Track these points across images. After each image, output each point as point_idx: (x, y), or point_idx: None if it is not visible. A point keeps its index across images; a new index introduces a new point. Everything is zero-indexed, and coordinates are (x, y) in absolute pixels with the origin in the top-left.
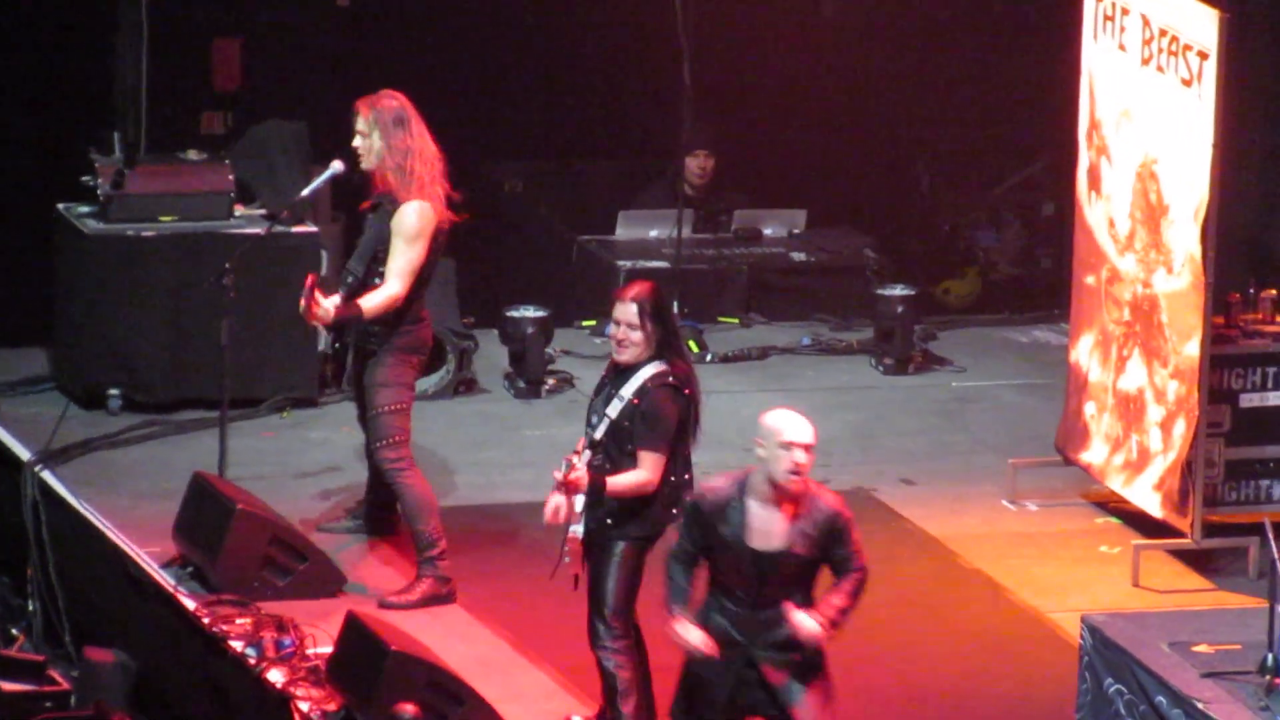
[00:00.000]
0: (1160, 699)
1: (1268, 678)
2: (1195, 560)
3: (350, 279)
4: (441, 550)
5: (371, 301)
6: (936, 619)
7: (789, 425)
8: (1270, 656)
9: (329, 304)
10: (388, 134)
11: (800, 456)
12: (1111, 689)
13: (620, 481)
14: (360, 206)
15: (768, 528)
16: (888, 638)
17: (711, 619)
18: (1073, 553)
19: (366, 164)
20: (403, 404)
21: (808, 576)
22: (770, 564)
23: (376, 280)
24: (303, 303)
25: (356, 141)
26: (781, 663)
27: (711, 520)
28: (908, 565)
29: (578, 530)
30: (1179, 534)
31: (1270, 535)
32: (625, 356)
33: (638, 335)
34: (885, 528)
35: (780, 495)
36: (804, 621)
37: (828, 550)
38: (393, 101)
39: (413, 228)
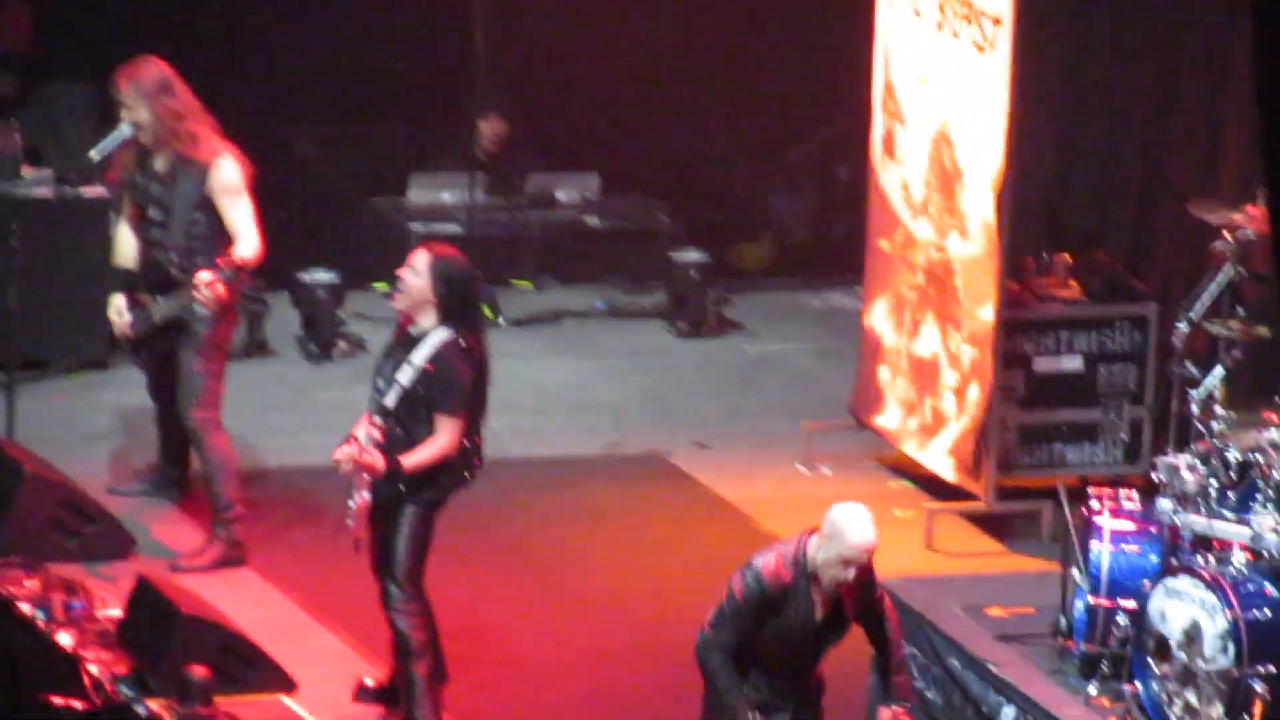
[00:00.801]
0: (953, 662)
1: (1061, 641)
2: (989, 524)
3: (154, 232)
4: (237, 514)
5: (417, 457)
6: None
7: (855, 538)
8: (1063, 619)
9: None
10: (153, 102)
11: (852, 574)
12: (905, 651)
13: (419, 456)
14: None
15: (820, 600)
16: (682, 601)
17: (761, 697)
18: None
19: (145, 137)
20: (219, 366)
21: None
22: (824, 634)
23: (195, 231)
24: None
25: (123, 115)
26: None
27: (777, 606)
28: (701, 529)
29: (366, 496)
30: (972, 498)
31: (1063, 499)
32: (400, 303)
33: (418, 283)
34: (679, 492)
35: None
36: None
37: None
38: (151, 69)
39: (235, 180)
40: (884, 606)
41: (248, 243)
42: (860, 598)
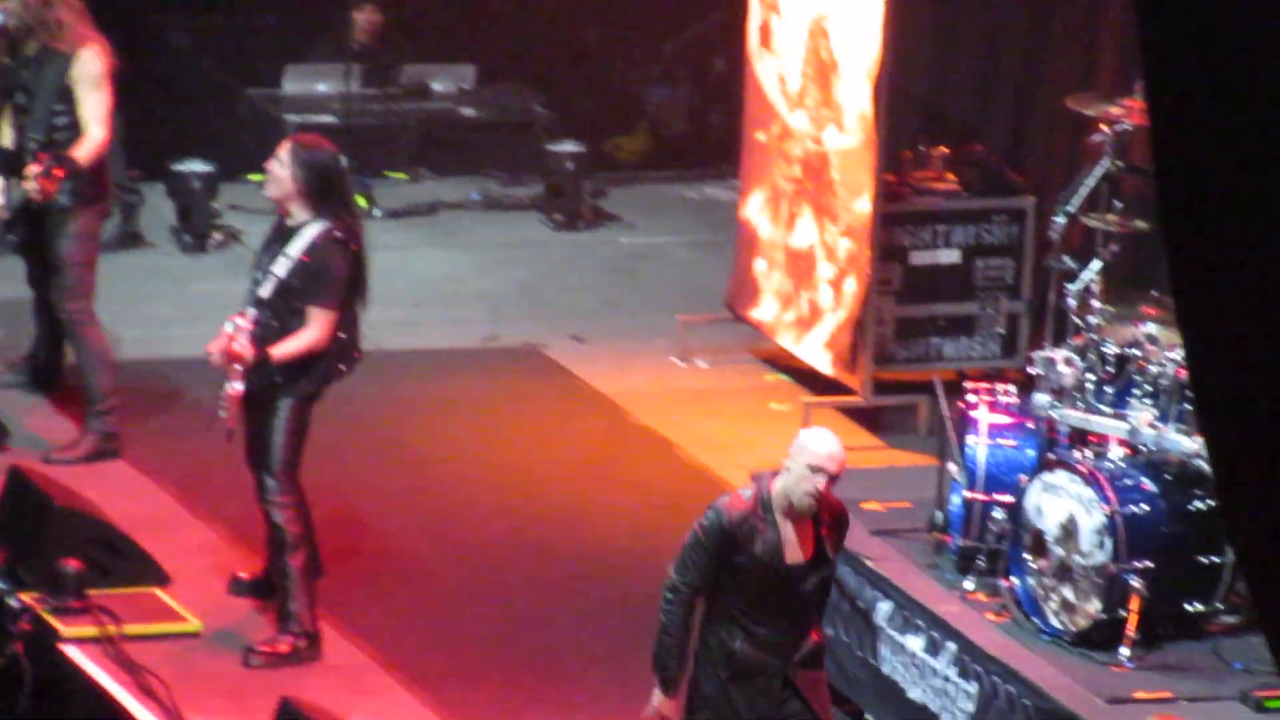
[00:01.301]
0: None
1: (937, 535)
2: (865, 418)
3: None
4: (111, 406)
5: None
6: (607, 476)
7: (820, 448)
8: (939, 514)
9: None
10: None
11: (823, 486)
12: None
13: (289, 346)
14: None
15: (795, 540)
16: (558, 496)
17: (736, 651)
18: (743, 410)
19: (14, 23)
20: (91, 256)
21: (830, 582)
22: (803, 577)
23: (58, 122)
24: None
25: None
26: (808, 670)
27: (742, 541)
28: (578, 422)
29: (238, 387)
30: (849, 391)
31: (940, 393)
32: (269, 191)
33: (282, 173)
34: (555, 385)
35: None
36: None
37: (839, 549)
38: None
39: (96, 72)
40: (832, 575)
41: (89, 139)
42: (836, 540)
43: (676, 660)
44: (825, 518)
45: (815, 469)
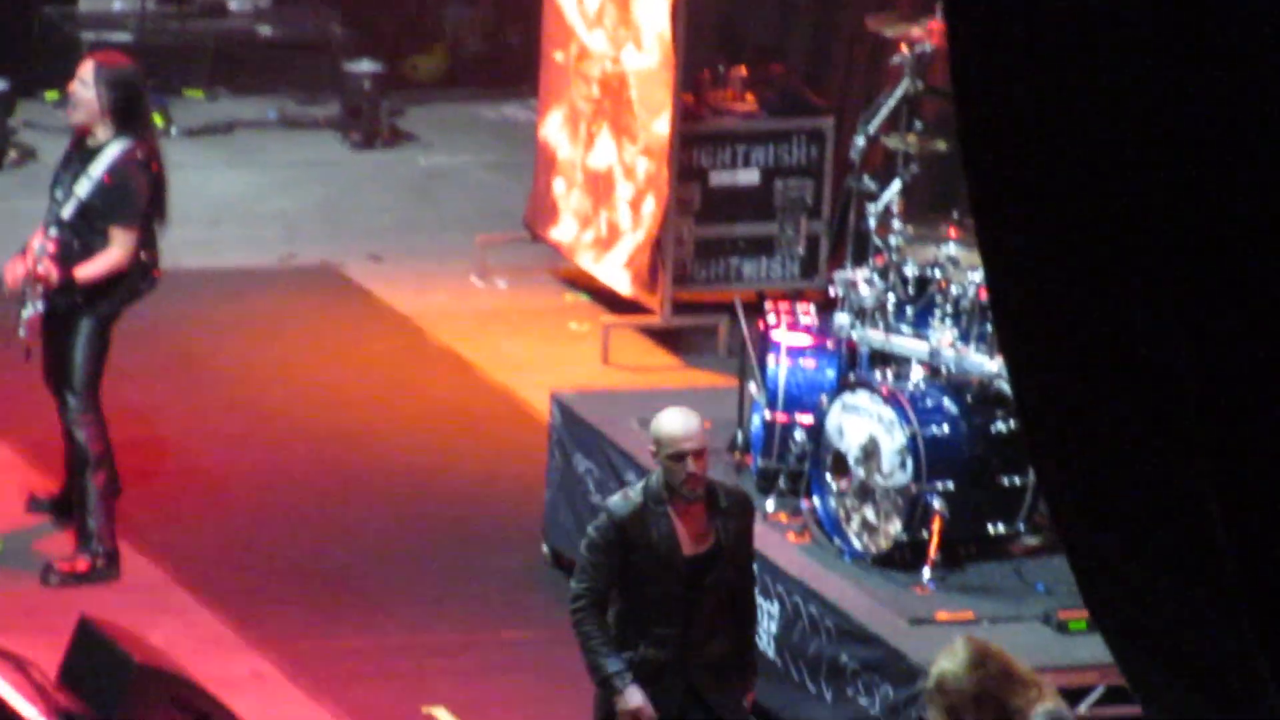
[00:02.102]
0: (630, 476)
1: (738, 455)
2: (665, 338)
3: None
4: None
5: (90, 269)
6: (407, 396)
7: (671, 430)
8: (740, 435)
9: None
10: None
11: (693, 467)
12: (581, 466)
13: (92, 268)
14: None
15: (690, 530)
16: (357, 415)
17: (640, 653)
18: (542, 330)
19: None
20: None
21: (736, 575)
22: (704, 569)
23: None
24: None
25: None
26: (716, 678)
27: (635, 537)
28: (377, 343)
29: (39, 307)
30: (649, 312)
31: (740, 313)
32: (76, 117)
33: (87, 95)
34: (353, 305)
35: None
36: None
37: (744, 537)
38: None
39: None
40: (750, 570)
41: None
42: (740, 528)
43: (610, 658)
44: (720, 503)
45: (674, 456)
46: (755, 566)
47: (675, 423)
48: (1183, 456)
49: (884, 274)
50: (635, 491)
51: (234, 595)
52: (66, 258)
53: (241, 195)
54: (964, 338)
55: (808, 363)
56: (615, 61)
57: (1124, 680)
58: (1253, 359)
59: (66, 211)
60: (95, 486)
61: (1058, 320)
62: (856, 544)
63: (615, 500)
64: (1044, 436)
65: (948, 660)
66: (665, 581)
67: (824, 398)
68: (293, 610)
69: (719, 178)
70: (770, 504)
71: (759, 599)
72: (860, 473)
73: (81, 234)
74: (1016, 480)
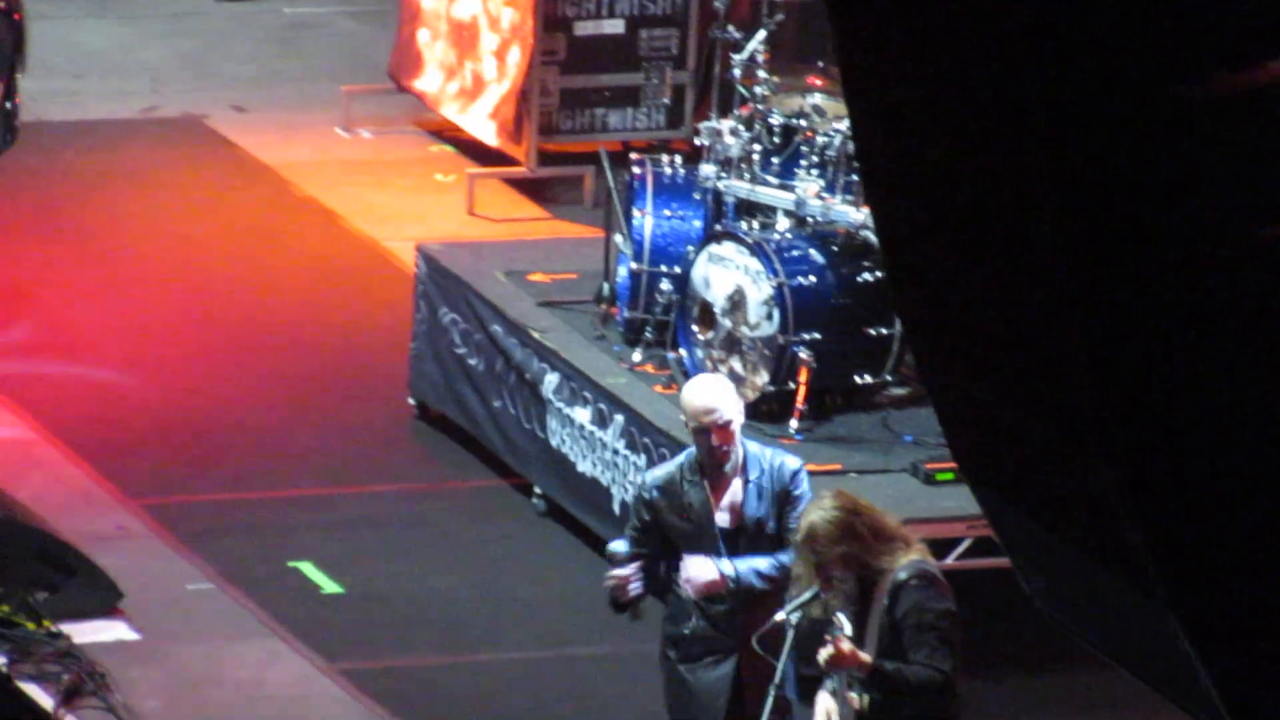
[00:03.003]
0: (496, 328)
1: (604, 307)
2: (531, 189)
3: None
4: None
5: None
6: (273, 248)
7: (696, 403)
8: (605, 286)
9: None
10: None
11: (716, 441)
12: (447, 318)
13: None
14: None
15: (727, 503)
16: (225, 268)
17: (692, 626)
18: (408, 181)
19: None
20: None
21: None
22: (735, 541)
23: None
24: None
25: None
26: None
27: (667, 505)
28: (241, 194)
29: None
30: (514, 162)
31: (606, 164)
32: None
33: None
34: (217, 156)
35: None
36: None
37: (782, 510)
38: None
39: None
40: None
41: None
42: (779, 501)
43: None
44: (752, 474)
45: (696, 430)
46: (621, 417)
47: (695, 394)
48: (1051, 306)
49: (749, 124)
50: (675, 460)
51: (101, 451)
52: None
53: (105, 47)
54: (830, 188)
55: (674, 214)
56: None
57: (991, 531)
58: (1122, 209)
59: None
60: None
61: (924, 171)
62: None
63: (653, 469)
64: (910, 287)
65: (817, 513)
66: (702, 553)
67: (690, 248)
68: (159, 465)
69: (584, 28)
70: (637, 355)
71: (625, 450)
72: (727, 324)
73: None
74: (883, 330)
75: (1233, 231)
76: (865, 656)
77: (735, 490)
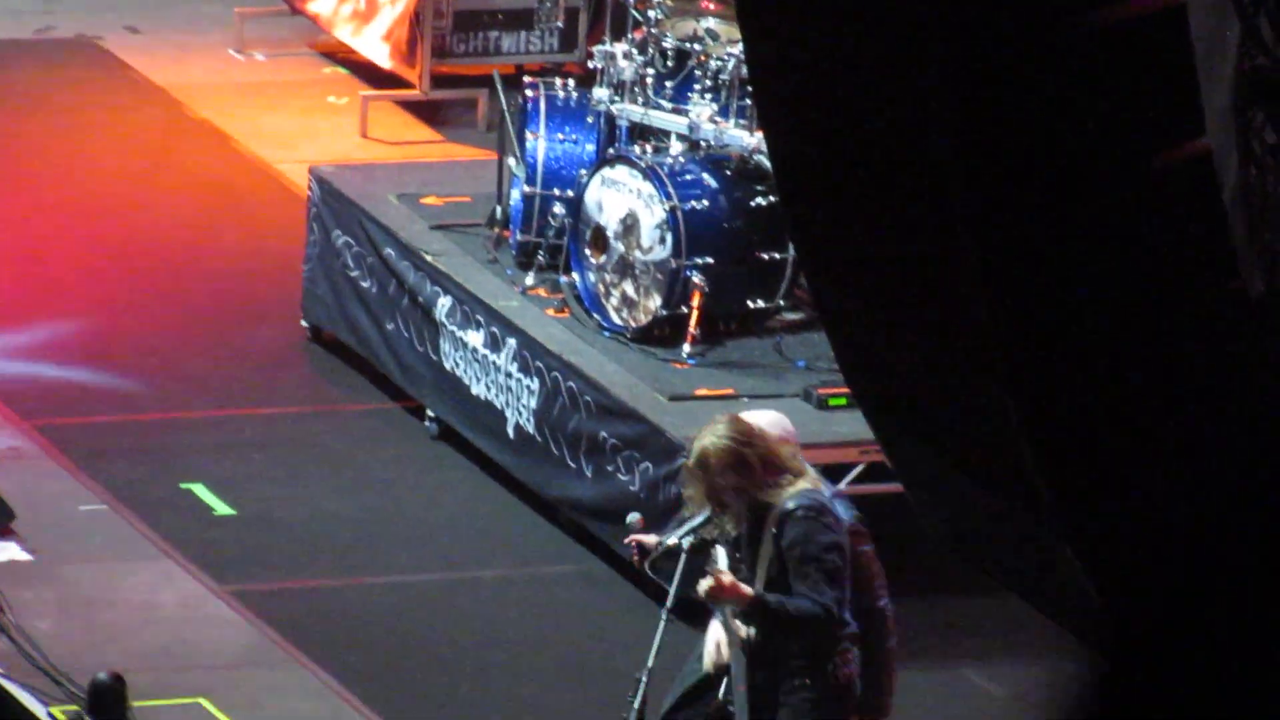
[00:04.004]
0: (389, 250)
1: (497, 230)
2: (424, 112)
3: None
4: None
5: None
6: (165, 170)
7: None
8: (499, 209)
9: None
10: None
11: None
12: (340, 240)
13: None
14: None
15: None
16: (118, 190)
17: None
18: (301, 103)
19: None
20: None
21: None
22: (741, 559)
23: None
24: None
25: None
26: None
27: None
28: (134, 115)
29: None
30: (408, 85)
31: (499, 87)
32: None
33: None
34: (111, 77)
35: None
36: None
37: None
38: None
39: None
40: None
41: None
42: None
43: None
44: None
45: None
46: (513, 340)
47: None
48: (942, 228)
49: (643, 48)
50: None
51: None
52: None
53: None
54: (723, 112)
55: (567, 137)
56: None
57: (883, 456)
58: (1016, 132)
59: None
60: None
61: (818, 95)
62: (615, 319)
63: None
64: (803, 210)
65: (709, 438)
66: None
67: (583, 172)
68: (51, 386)
69: None
70: (530, 278)
71: (518, 374)
72: (620, 247)
73: None
74: (776, 255)
75: (1128, 156)
76: (746, 589)
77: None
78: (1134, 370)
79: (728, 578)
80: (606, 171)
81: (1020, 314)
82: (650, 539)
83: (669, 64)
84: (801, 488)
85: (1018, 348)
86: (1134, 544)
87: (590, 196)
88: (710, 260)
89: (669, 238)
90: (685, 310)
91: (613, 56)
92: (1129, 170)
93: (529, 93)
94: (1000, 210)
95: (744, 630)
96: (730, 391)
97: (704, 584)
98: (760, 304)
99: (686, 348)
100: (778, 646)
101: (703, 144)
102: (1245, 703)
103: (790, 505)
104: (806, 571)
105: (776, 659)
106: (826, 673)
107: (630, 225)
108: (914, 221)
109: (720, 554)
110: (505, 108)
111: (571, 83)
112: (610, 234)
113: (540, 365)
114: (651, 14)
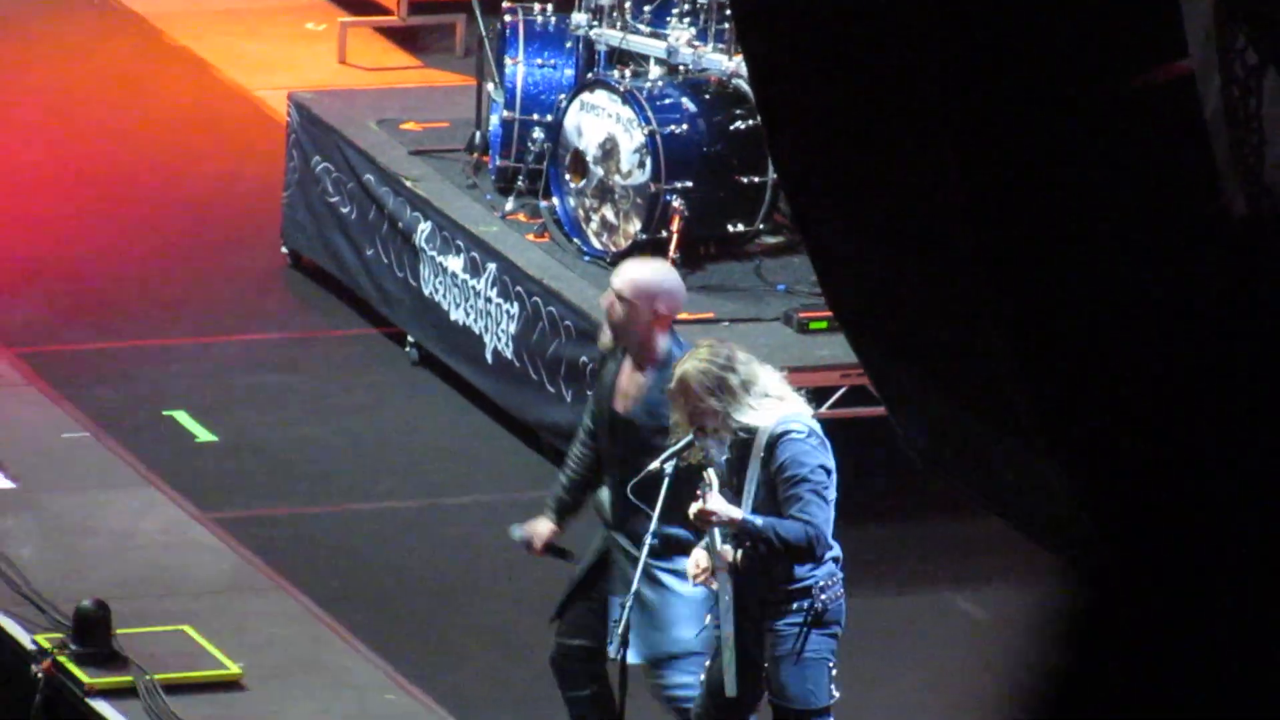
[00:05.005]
0: (369, 176)
1: (476, 155)
2: (402, 37)
3: None
4: None
5: None
6: (143, 97)
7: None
8: (478, 134)
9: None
10: None
11: (604, 302)
12: (320, 167)
13: None
14: None
15: (629, 389)
16: (95, 117)
17: (600, 495)
18: (279, 29)
19: None
20: None
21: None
22: (626, 431)
23: None
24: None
25: None
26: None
27: (599, 375)
28: (111, 42)
29: None
30: (385, 11)
31: (478, 12)
32: None
33: None
34: (88, 4)
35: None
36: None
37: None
38: None
39: None
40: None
41: None
42: (676, 403)
43: (562, 491)
44: (648, 365)
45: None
46: (493, 266)
47: (623, 268)
48: (927, 143)
49: None
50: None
51: None
52: None
53: None
54: (702, 36)
55: (546, 62)
56: None
57: (869, 382)
58: (987, 53)
59: None
60: None
61: (794, 12)
62: (595, 244)
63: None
64: (783, 131)
65: (690, 363)
66: (602, 431)
67: (562, 97)
68: (32, 313)
69: None
70: (510, 203)
71: (498, 299)
72: (599, 172)
73: None
74: (756, 178)
75: (1109, 78)
76: (736, 512)
77: (636, 379)
78: (1124, 301)
79: (715, 501)
80: (585, 96)
81: (1011, 240)
82: (542, 528)
83: None
84: (789, 411)
85: (1002, 270)
86: (1124, 467)
87: (569, 121)
88: (690, 184)
89: (648, 162)
90: (665, 234)
91: None
92: (1110, 92)
93: (507, 18)
94: (989, 132)
95: (731, 554)
96: (710, 315)
97: (694, 507)
98: (740, 228)
99: None
100: (765, 569)
101: (681, 68)
102: (1241, 638)
103: (779, 429)
104: (795, 493)
105: (764, 582)
106: (814, 595)
107: (609, 150)
108: (900, 141)
109: (712, 476)
110: (484, 33)
111: (550, 8)
112: (589, 159)
113: (520, 290)
114: None
